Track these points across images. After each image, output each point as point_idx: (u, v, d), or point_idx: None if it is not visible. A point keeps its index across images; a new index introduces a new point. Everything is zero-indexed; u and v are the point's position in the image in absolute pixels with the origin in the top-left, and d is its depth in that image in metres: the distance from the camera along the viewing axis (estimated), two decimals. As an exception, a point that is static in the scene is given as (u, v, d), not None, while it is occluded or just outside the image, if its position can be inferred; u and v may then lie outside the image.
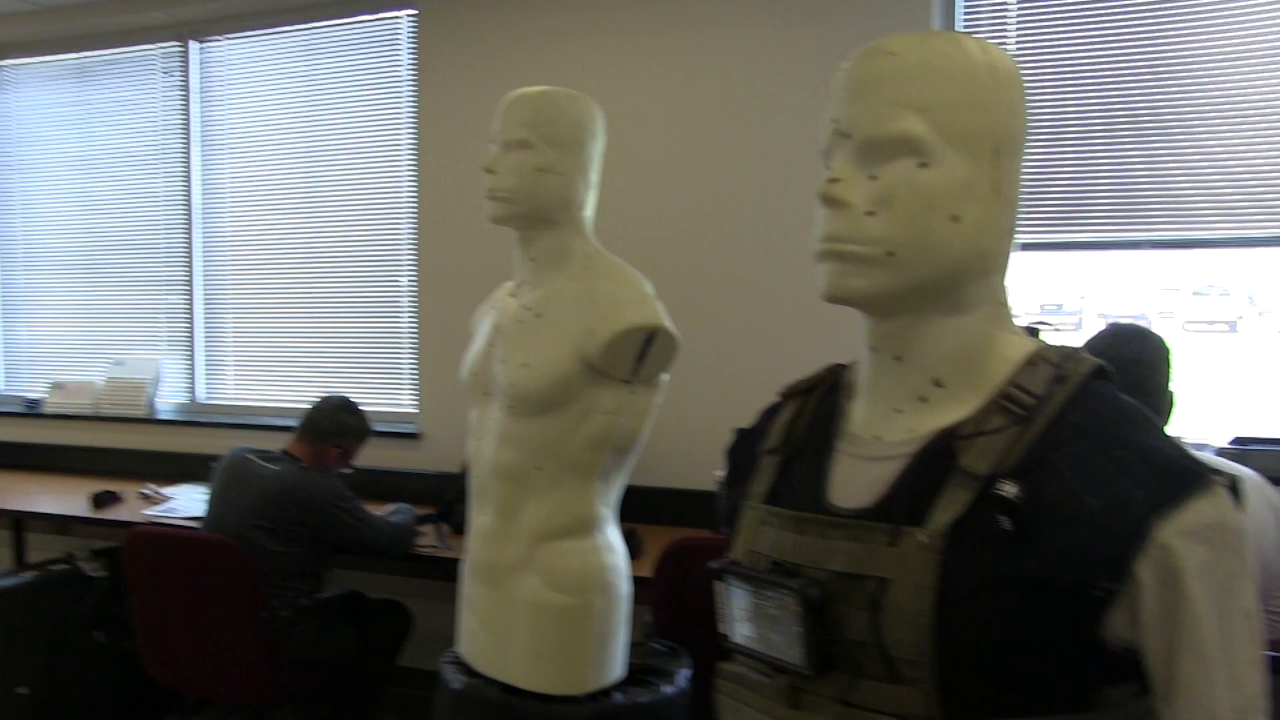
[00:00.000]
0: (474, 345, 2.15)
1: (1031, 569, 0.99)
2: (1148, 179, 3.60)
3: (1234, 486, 1.03)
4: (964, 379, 1.10)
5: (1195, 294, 3.91)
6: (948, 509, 1.03)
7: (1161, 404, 2.24)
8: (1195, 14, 3.51)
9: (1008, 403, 1.06)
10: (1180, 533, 0.97)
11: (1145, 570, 0.98)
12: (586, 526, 2.04)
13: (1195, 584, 0.98)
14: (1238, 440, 3.40)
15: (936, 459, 1.06)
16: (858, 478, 1.12)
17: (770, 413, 1.32)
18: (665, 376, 2.07)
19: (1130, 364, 2.19)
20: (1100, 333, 2.31)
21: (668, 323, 1.98)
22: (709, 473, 3.61)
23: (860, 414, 1.17)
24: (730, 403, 3.77)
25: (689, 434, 3.76)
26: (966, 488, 1.03)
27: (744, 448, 1.32)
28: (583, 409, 1.97)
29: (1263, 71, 3.48)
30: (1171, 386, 2.27)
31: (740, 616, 1.15)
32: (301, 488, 3.30)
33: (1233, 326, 5.48)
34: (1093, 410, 1.06)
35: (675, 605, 2.76)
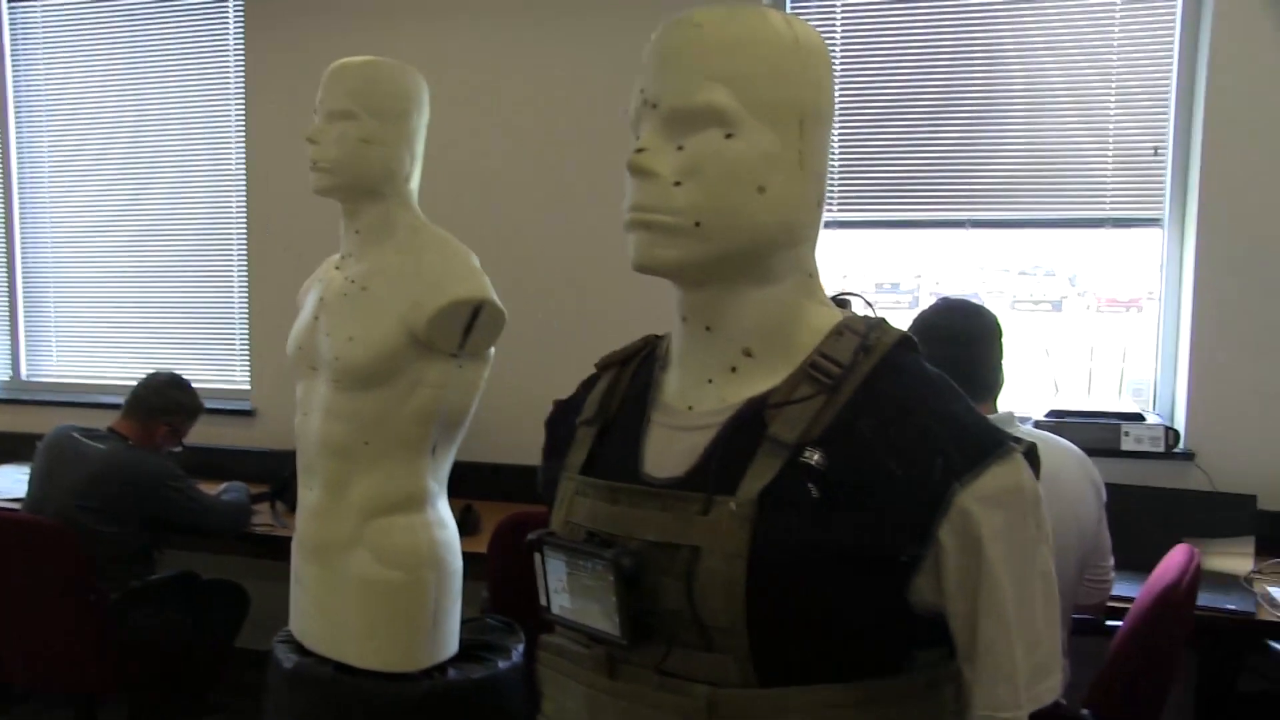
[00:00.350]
0: (300, 319, 2.09)
1: (840, 536, 1.02)
2: (973, 160, 3.72)
3: (1030, 453, 1.07)
4: (773, 349, 1.12)
5: (1021, 274, 4.05)
6: (758, 477, 1.05)
7: (988, 379, 2.26)
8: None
9: (815, 372, 1.08)
10: (979, 498, 1.01)
11: (947, 535, 1.01)
12: (416, 501, 2.02)
13: (993, 548, 1.01)
14: (1053, 413, 3.54)
15: (746, 428, 1.08)
16: (671, 447, 1.13)
17: (588, 384, 1.32)
18: (491, 350, 2.05)
19: (955, 338, 2.21)
20: (930, 307, 2.33)
21: (494, 296, 1.96)
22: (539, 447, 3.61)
23: (673, 384, 1.18)
24: (566, 377, 3.75)
25: (524, 409, 3.73)
26: (776, 456, 1.05)
27: (562, 419, 1.32)
28: (409, 383, 1.94)
29: (1082, 59, 3.62)
30: (1002, 362, 2.29)
31: (558, 587, 1.15)
32: (130, 466, 3.18)
33: (1057, 305, 5.73)
34: (897, 379, 1.08)
35: (510, 581, 2.76)
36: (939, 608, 1.05)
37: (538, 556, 1.17)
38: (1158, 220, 3.64)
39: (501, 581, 2.76)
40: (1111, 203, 3.64)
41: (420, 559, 2.00)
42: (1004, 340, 2.29)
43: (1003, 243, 3.81)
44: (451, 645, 2.10)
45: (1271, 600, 2.89)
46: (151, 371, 3.48)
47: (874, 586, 1.04)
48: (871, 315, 1.15)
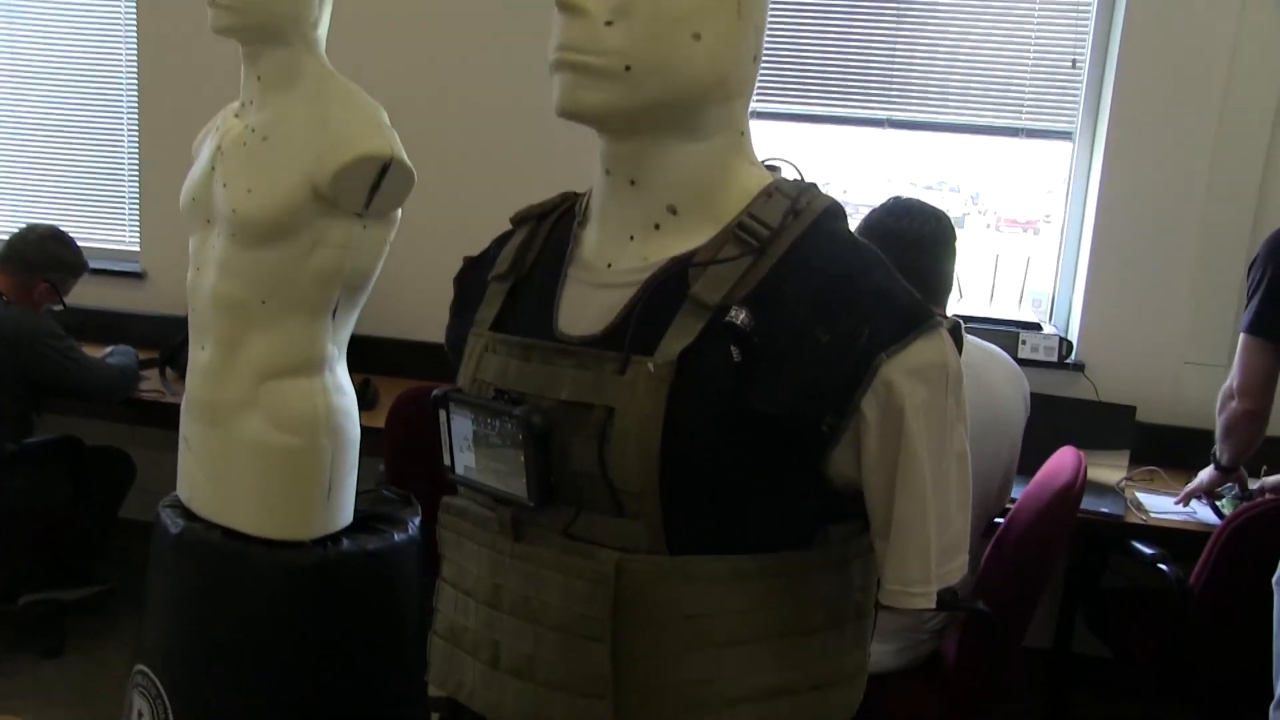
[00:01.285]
0: (194, 169, 1.99)
1: (760, 401, 0.99)
2: (893, 60, 3.69)
3: (955, 330, 1.06)
4: (699, 207, 1.08)
5: (927, 188, 4.06)
6: (678, 338, 1.01)
7: (942, 286, 2.22)
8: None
9: (742, 232, 1.04)
10: (904, 371, 0.99)
11: (869, 407, 0.99)
12: (314, 365, 1.95)
13: (915, 422, 1.00)
14: (957, 317, 3.59)
15: (668, 287, 1.04)
16: (588, 305, 1.09)
17: (501, 240, 1.26)
18: (399, 213, 1.98)
19: (916, 243, 2.14)
20: (882, 207, 2.24)
21: (403, 154, 1.88)
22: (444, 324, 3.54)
23: (592, 241, 1.13)
24: (475, 247, 3.68)
25: (426, 283, 3.66)
26: (697, 317, 1.02)
27: (472, 275, 1.27)
28: (311, 241, 1.86)
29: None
30: (954, 268, 2.24)
31: (463, 446, 1.12)
32: (4, 321, 3.03)
33: (960, 223, 5.80)
34: (825, 246, 1.05)
35: (408, 456, 2.71)
36: (855, 481, 1.04)
37: (442, 414, 1.13)
38: (1069, 134, 3.66)
39: (398, 457, 2.71)
40: (1028, 112, 3.65)
41: (317, 425, 1.94)
42: (954, 245, 2.24)
43: (911, 151, 3.81)
44: (346, 515, 2.06)
45: (1139, 505, 3.03)
46: (28, 224, 3.30)
47: (791, 456, 1.02)
48: (801, 180, 1.12)
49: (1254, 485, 2.96)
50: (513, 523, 1.09)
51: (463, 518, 1.16)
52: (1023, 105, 3.65)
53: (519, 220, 1.23)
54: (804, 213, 1.07)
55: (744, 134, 1.11)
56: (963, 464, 1.05)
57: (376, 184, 1.85)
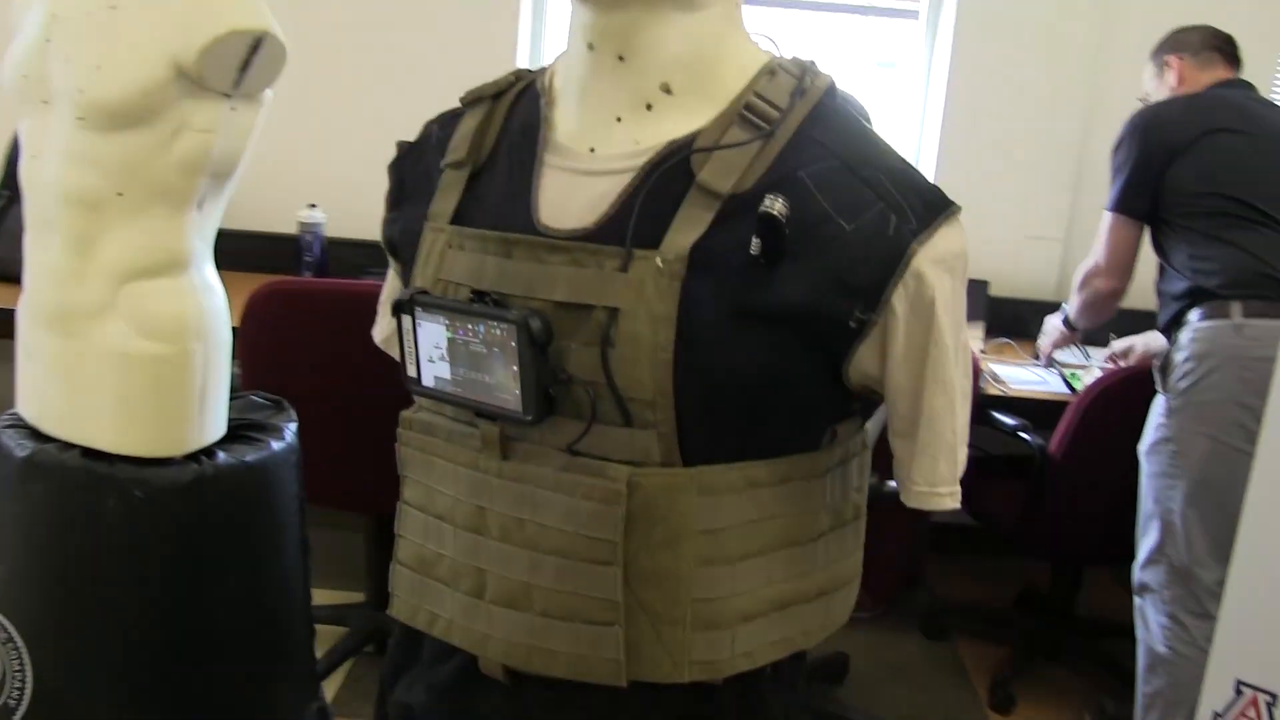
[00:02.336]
0: (21, 39, 1.72)
1: (782, 297, 0.90)
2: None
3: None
4: (696, 85, 0.97)
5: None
6: (686, 230, 0.91)
7: None
8: None
9: (750, 114, 0.94)
10: (932, 260, 0.92)
11: (900, 300, 0.92)
12: (180, 263, 1.75)
13: (944, 315, 0.94)
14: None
15: (670, 174, 0.93)
16: (573, 195, 0.97)
17: (447, 122, 1.12)
18: (270, 93, 1.78)
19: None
20: None
21: (276, 28, 1.68)
22: (293, 212, 3.31)
23: (569, 122, 1.01)
24: (335, 137, 3.45)
25: (279, 170, 3.40)
26: (706, 206, 0.92)
27: (414, 161, 1.12)
28: (172, 125, 1.64)
29: None
30: None
31: (434, 356, 0.99)
32: None
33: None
34: (835, 127, 0.96)
35: (268, 356, 2.52)
36: (874, 379, 0.97)
37: (406, 320, 1.00)
38: (914, 13, 3.67)
39: (257, 357, 2.52)
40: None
41: (186, 329, 1.75)
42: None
43: (760, 27, 3.73)
44: (219, 426, 1.88)
45: (996, 377, 3.11)
46: None
47: (813, 354, 0.94)
48: (799, 57, 1.02)
49: (1105, 352, 3.07)
50: (500, 439, 0.98)
51: (431, 434, 1.04)
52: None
53: (471, 100, 1.08)
54: (809, 92, 0.97)
55: (738, 5, 1.00)
56: (969, 353, 1.00)
57: (247, 61, 1.64)
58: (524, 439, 0.97)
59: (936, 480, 0.98)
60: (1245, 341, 2.28)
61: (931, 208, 0.93)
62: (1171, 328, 2.47)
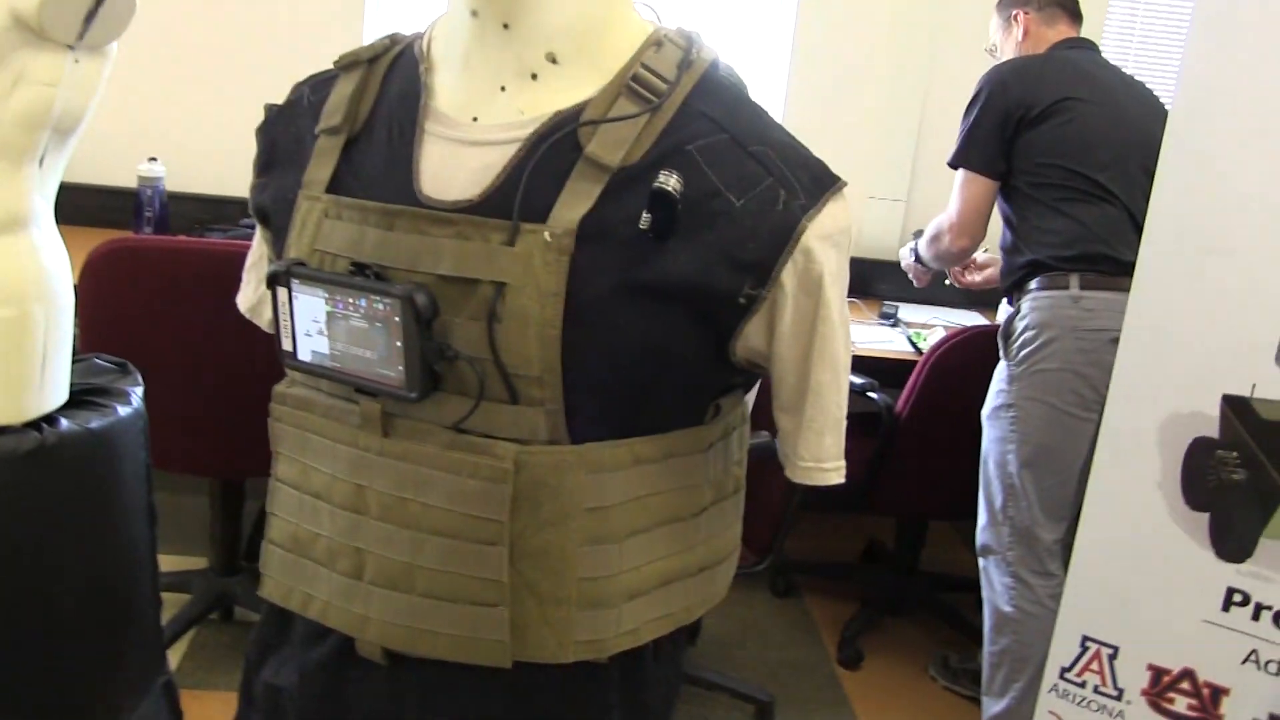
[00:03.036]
0: None
1: (671, 272, 0.91)
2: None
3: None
4: (582, 55, 0.96)
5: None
6: (574, 204, 0.91)
7: None
8: None
9: (637, 85, 0.94)
10: (819, 236, 0.94)
11: (789, 275, 0.93)
12: (20, 222, 1.65)
13: (831, 290, 0.95)
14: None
15: (557, 145, 0.92)
16: (457, 166, 0.95)
17: (319, 86, 1.08)
18: (115, 45, 1.68)
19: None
20: None
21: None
22: (132, 165, 3.15)
23: (451, 91, 0.99)
24: (175, 88, 3.28)
25: (118, 121, 3.23)
26: (595, 180, 0.91)
27: (284, 125, 1.08)
28: (11, 77, 1.54)
29: None
30: None
31: (311, 330, 0.96)
32: None
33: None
34: (721, 101, 0.97)
35: (110, 317, 2.40)
36: (762, 355, 0.98)
37: (282, 292, 0.97)
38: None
39: (98, 319, 2.40)
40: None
41: (27, 290, 1.65)
42: None
43: None
44: (61, 392, 1.79)
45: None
46: None
47: (702, 330, 0.95)
48: (683, 28, 1.01)
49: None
50: (381, 416, 0.96)
51: (307, 409, 1.01)
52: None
53: (346, 64, 1.05)
54: (695, 64, 0.97)
55: None
56: (849, 327, 1.02)
57: (92, 12, 1.55)
58: (406, 416, 0.96)
59: (823, 455, 1.01)
60: (1082, 313, 2.38)
61: (819, 183, 0.95)
62: (1013, 291, 2.56)
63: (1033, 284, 2.47)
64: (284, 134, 1.08)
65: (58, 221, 3.01)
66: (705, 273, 0.91)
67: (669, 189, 0.88)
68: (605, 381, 0.92)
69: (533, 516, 0.93)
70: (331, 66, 1.07)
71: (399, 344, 0.91)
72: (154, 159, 3.19)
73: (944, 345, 2.84)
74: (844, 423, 1.01)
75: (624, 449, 0.95)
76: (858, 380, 2.93)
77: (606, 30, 0.96)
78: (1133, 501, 1.67)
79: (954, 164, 2.61)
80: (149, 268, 2.37)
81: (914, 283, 3.00)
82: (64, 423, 1.78)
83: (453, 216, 0.92)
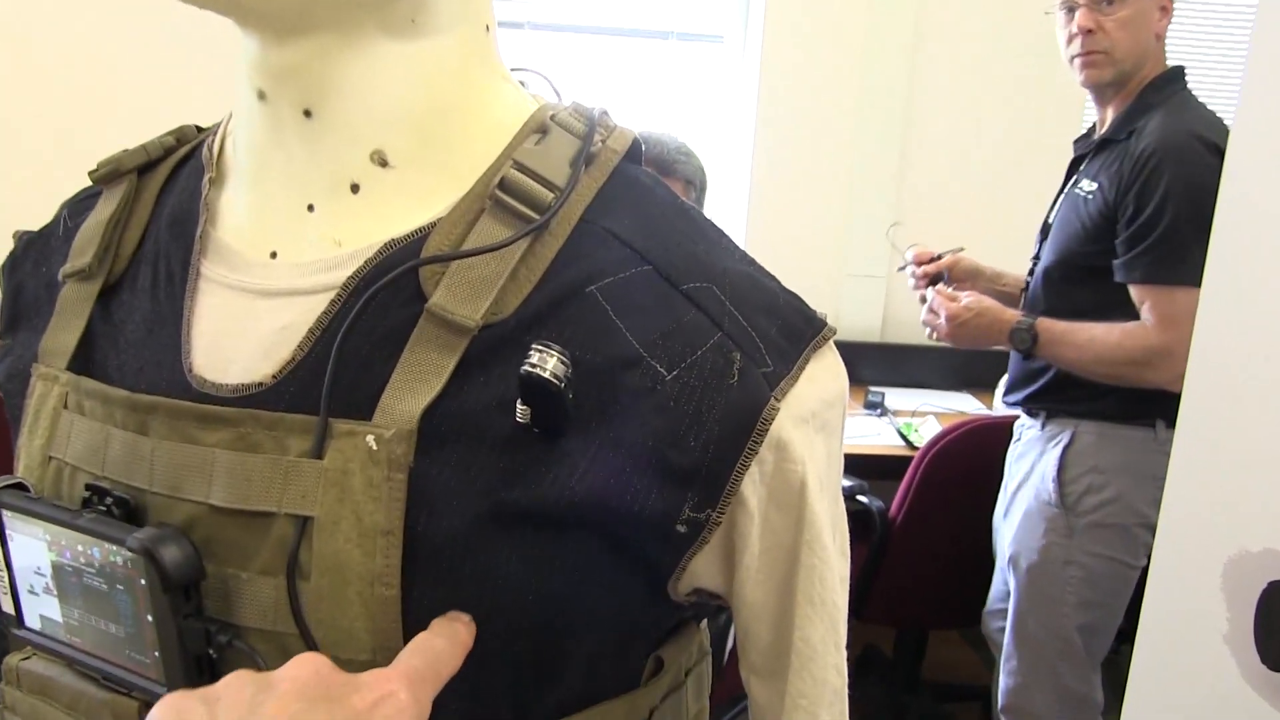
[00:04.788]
0: None
1: (567, 488, 0.58)
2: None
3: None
4: (426, 153, 0.64)
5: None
6: (414, 386, 0.59)
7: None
8: None
9: (506, 196, 0.62)
10: (798, 419, 0.61)
11: (752, 485, 0.60)
12: None
13: (818, 499, 0.63)
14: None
15: (390, 294, 0.60)
16: (243, 328, 0.63)
17: (79, 206, 0.76)
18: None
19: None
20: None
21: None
22: None
23: (240, 213, 0.67)
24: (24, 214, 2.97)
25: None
26: (446, 347, 0.59)
27: (36, 263, 0.76)
28: None
29: None
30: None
31: (38, 586, 0.64)
32: None
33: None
34: (641, 212, 0.65)
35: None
36: (721, 593, 0.66)
37: (-9, 527, 0.64)
38: (720, 37, 3.46)
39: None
40: (679, 16, 3.41)
41: None
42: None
43: (555, 57, 3.45)
44: None
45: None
46: None
47: (622, 571, 0.62)
48: (579, 103, 0.70)
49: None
50: (140, 714, 0.63)
51: (47, 698, 0.68)
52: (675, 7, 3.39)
53: (106, 176, 0.73)
54: (599, 157, 0.66)
55: (489, 29, 0.68)
56: (845, 527, 0.70)
57: None
58: None
59: None
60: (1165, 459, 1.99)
61: (794, 335, 0.63)
62: (1057, 402, 2.13)
63: (1109, 410, 2.05)
64: (33, 276, 0.75)
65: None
66: (621, 489, 0.58)
67: (546, 376, 0.56)
68: (478, 657, 0.60)
69: None
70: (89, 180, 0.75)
71: (149, 619, 0.58)
72: None
73: (940, 443, 2.54)
74: (845, 693, 0.68)
75: None
76: (846, 483, 2.62)
77: (461, 114, 0.65)
78: (1194, 664, 1.35)
79: (1172, 279, 1.91)
80: None
81: (911, 284, 2.40)
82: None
83: (231, 412, 0.60)
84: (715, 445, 0.59)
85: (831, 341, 0.65)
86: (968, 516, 2.43)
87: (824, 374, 0.63)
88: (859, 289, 3.48)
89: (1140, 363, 1.94)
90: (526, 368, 0.55)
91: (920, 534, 2.59)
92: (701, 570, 0.63)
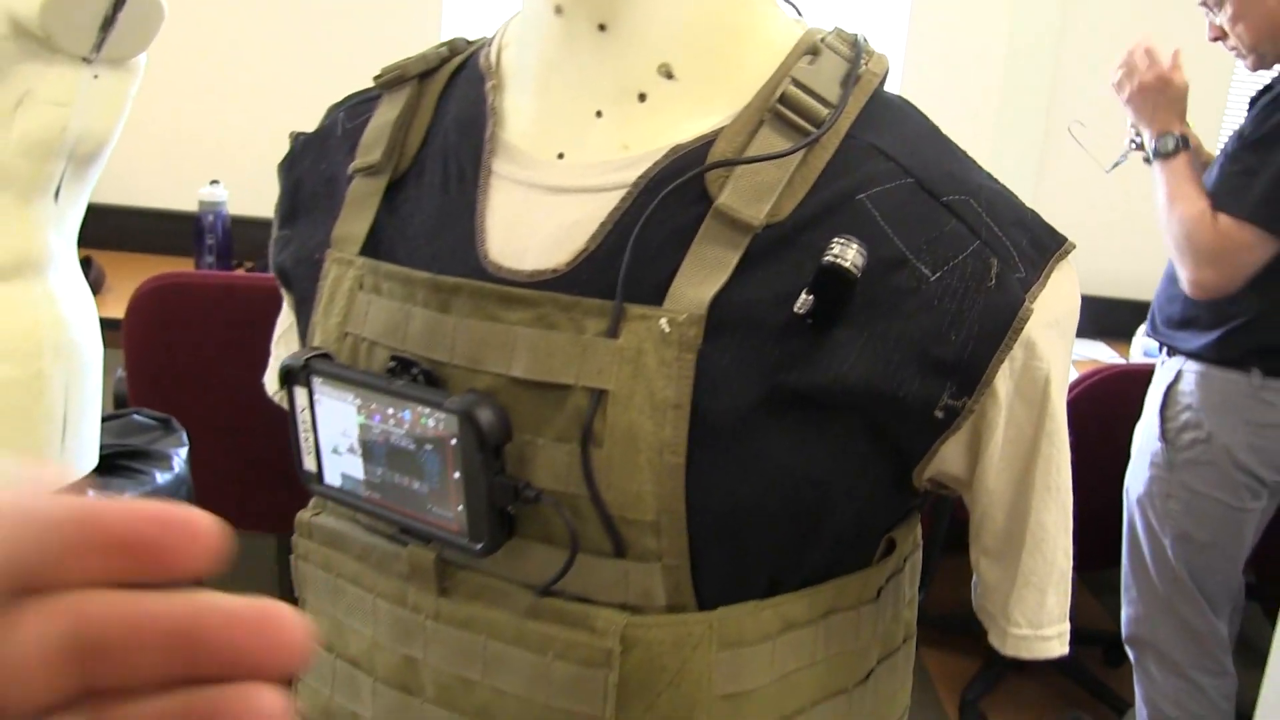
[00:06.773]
0: None
1: (839, 375, 0.63)
2: None
3: None
4: (709, 68, 0.69)
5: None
6: (702, 277, 0.64)
7: None
8: None
9: (787, 110, 0.66)
10: (1045, 323, 0.66)
11: (1004, 378, 0.65)
12: (32, 265, 1.42)
13: (1058, 397, 0.68)
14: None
15: (678, 195, 0.66)
16: (536, 221, 0.69)
17: (357, 109, 0.83)
18: (143, 57, 1.46)
19: None
20: None
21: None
22: (193, 188, 2.95)
23: (527, 117, 0.72)
24: (238, 104, 3.08)
25: (176, 141, 3.04)
26: (730, 244, 0.64)
27: (314, 161, 0.83)
28: (13, 95, 1.33)
29: None
30: None
31: (341, 446, 0.70)
32: None
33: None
34: (899, 130, 0.70)
35: (157, 363, 2.19)
36: (960, 482, 0.71)
37: (300, 394, 0.71)
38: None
39: (144, 365, 2.18)
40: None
41: (41, 346, 1.43)
42: None
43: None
44: (90, 457, 1.57)
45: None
46: None
47: (878, 454, 0.67)
48: (841, 29, 0.74)
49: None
50: (438, 569, 0.70)
51: (339, 549, 0.75)
52: None
53: (389, 81, 0.79)
54: (863, 79, 0.70)
55: None
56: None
57: (110, 18, 1.33)
58: (472, 568, 0.69)
59: (1044, 620, 0.72)
60: (1260, 405, 2.02)
61: (1042, 246, 0.67)
62: (1172, 337, 2.15)
63: (1210, 352, 2.05)
64: (311, 173, 0.82)
65: (115, 247, 2.81)
66: (888, 376, 0.63)
67: (847, 265, 0.60)
68: (746, 527, 0.65)
69: (648, 710, 0.66)
70: (371, 84, 0.81)
71: (456, 476, 0.64)
72: (215, 181, 2.99)
73: (1076, 389, 2.52)
74: (1070, 574, 0.73)
75: (770, 612, 0.68)
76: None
77: (742, 34, 0.69)
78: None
79: (1241, 214, 1.92)
80: (200, 306, 2.15)
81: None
82: (92, 492, 1.56)
83: (531, 294, 0.66)
84: (974, 341, 0.64)
85: (1070, 257, 0.69)
86: (1106, 462, 2.42)
87: (1066, 283, 0.68)
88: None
89: (1181, 246, 1.97)
90: (829, 258, 0.60)
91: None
92: (949, 455, 0.68)
